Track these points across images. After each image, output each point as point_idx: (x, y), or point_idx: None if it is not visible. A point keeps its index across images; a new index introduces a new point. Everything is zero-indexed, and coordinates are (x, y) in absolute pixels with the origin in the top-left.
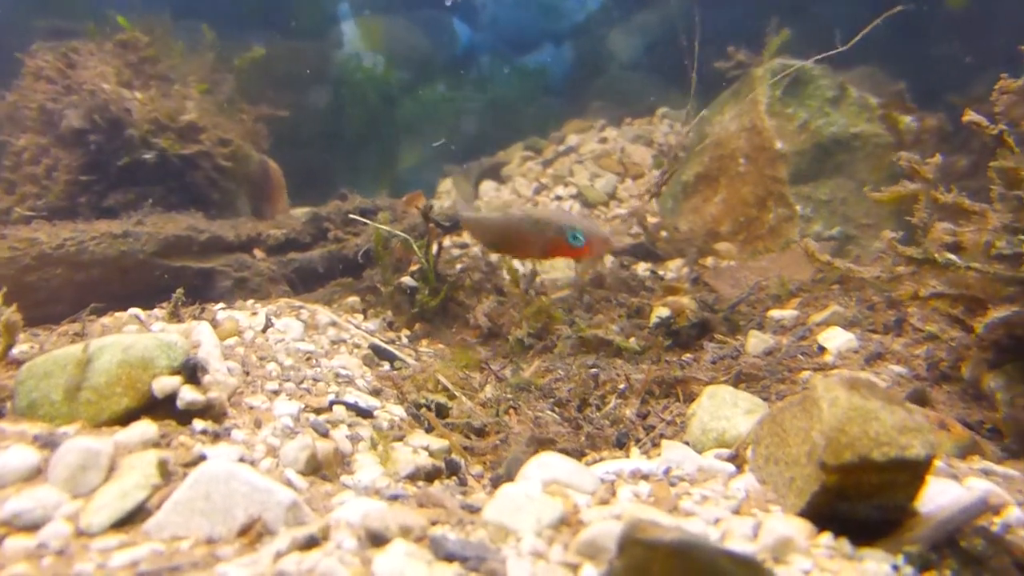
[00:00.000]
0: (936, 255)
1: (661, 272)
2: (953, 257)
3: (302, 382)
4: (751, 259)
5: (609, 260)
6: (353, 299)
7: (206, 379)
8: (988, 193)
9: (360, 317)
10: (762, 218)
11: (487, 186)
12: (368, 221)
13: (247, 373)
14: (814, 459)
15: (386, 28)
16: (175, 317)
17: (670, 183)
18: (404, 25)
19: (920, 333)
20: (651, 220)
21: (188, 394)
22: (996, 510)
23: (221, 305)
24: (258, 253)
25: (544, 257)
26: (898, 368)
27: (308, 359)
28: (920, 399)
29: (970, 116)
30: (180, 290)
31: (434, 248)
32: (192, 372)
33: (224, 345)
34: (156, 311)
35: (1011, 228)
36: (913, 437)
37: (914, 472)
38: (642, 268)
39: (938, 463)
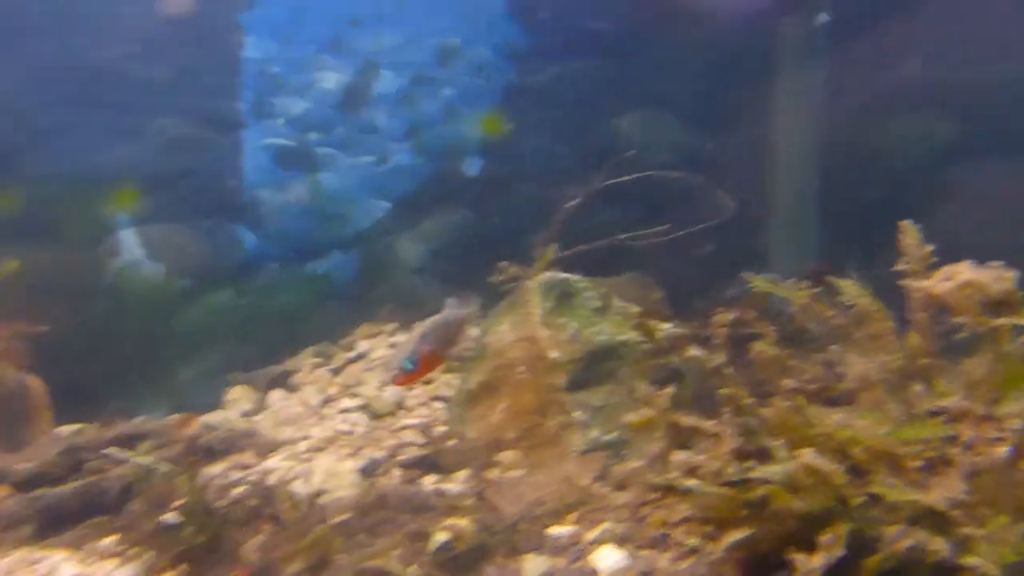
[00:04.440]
0: (677, 482)
1: (447, 486)
2: (692, 484)
3: None
4: (534, 470)
5: (397, 474)
6: (110, 540)
7: None
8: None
9: (116, 561)
10: (544, 425)
11: (276, 395)
12: (127, 454)
13: None
14: None
15: (166, 237)
16: None
17: (456, 393)
18: (185, 233)
19: (683, 547)
20: (439, 429)
21: None
22: None
23: None
24: (2, 491)
25: None
26: None
27: None
28: None
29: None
30: None
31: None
32: None
33: None
34: None
35: (741, 453)
36: None
37: None
38: (429, 481)
39: None
